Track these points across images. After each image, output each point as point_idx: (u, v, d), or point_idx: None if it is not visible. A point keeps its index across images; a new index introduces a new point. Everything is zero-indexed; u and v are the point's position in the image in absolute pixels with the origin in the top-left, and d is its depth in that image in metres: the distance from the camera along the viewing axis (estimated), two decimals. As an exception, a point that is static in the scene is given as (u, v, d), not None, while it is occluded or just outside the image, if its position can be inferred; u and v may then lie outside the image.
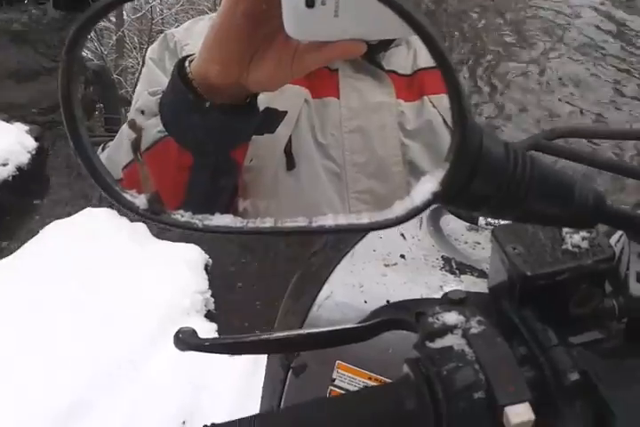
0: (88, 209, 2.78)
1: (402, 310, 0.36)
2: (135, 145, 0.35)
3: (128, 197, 0.27)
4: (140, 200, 0.27)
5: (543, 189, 0.27)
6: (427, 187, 0.25)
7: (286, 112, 0.74)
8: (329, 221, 0.26)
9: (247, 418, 0.31)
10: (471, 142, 0.24)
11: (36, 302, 2.19)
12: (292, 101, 0.75)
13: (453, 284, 0.55)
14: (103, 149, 0.72)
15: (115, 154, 0.65)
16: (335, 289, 0.56)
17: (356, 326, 0.37)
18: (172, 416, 1.82)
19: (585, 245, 0.33)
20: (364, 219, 0.26)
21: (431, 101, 0.80)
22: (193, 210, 0.29)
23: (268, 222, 0.27)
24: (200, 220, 0.28)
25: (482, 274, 0.56)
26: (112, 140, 0.70)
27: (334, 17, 0.46)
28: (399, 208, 0.25)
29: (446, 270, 0.57)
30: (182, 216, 0.28)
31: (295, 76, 0.55)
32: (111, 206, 2.68)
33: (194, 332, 0.38)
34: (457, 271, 0.57)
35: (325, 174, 0.76)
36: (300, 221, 0.27)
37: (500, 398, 0.28)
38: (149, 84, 0.75)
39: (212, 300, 2.42)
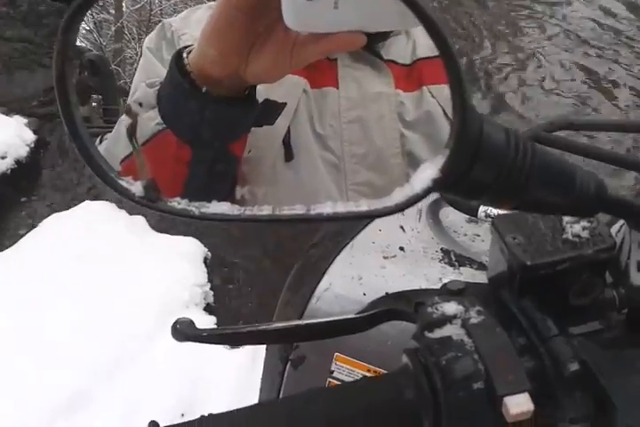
0: (86, 202, 2.78)
1: (400, 301, 0.36)
2: (131, 131, 0.35)
3: (124, 184, 0.27)
4: (136, 187, 0.27)
5: (544, 177, 0.26)
6: (426, 174, 0.24)
7: (285, 104, 0.74)
8: (327, 208, 0.26)
9: (245, 408, 0.30)
10: (471, 128, 0.24)
11: (34, 294, 2.19)
12: (290, 92, 0.74)
13: (452, 276, 0.55)
14: (101, 142, 0.71)
15: (113, 146, 0.64)
16: (334, 281, 0.56)
17: (354, 316, 0.37)
18: (170, 409, 1.82)
19: (585, 234, 0.33)
20: (363, 206, 0.26)
21: (430, 92, 0.79)
22: (191, 200, 0.29)
23: (265, 210, 0.27)
24: (197, 207, 0.28)
25: (481, 266, 0.56)
26: (110, 131, 0.69)
27: (334, 8, 0.46)
28: (398, 196, 0.25)
29: (445, 263, 0.57)
30: (179, 204, 0.28)
31: (294, 68, 0.54)
32: (108, 199, 2.68)
33: (191, 322, 0.38)
34: (456, 263, 0.57)
35: (324, 166, 0.76)
36: (298, 209, 0.26)
37: (499, 389, 0.28)
38: (147, 74, 0.74)
39: (212, 293, 2.43)
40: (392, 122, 0.78)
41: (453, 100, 0.23)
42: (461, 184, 0.25)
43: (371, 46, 0.79)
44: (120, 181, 0.27)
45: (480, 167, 0.25)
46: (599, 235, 0.33)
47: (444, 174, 0.24)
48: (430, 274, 0.55)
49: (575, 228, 0.33)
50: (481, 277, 0.40)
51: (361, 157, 0.77)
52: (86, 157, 0.26)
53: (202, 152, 0.61)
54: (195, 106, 0.56)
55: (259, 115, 0.64)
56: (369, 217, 0.27)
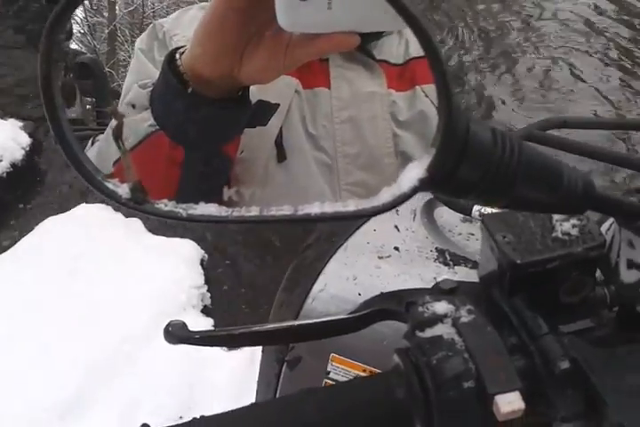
0: (83, 205, 2.77)
1: (392, 300, 0.36)
2: (117, 133, 0.35)
3: (110, 186, 0.27)
4: (123, 189, 0.27)
5: (531, 175, 0.26)
6: (413, 173, 0.24)
7: (279, 104, 0.73)
8: (315, 209, 0.26)
9: (237, 409, 0.30)
10: (457, 127, 0.24)
11: (31, 296, 2.19)
12: (282, 92, 0.74)
13: (447, 275, 0.55)
14: (93, 144, 0.71)
15: (105, 149, 0.64)
16: (329, 281, 0.56)
17: (347, 316, 0.37)
18: (168, 411, 1.82)
19: (575, 232, 0.32)
20: (351, 206, 0.26)
21: (423, 91, 0.79)
22: (181, 201, 0.29)
23: (253, 211, 0.27)
24: (184, 209, 0.28)
25: (476, 265, 0.56)
26: (102, 133, 0.69)
27: (327, 9, 0.46)
28: (386, 195, 0.25)
29: (440, 262, 0.57)
30: (166, 205, 0.28)
31: (288, 69, 0.54)
32: (104, 201, 2.67)
33: (184, 325, 0.38)
34: (451, 263, 0.57)
35: (317, 166, 0.76)
36: (286, 210, 0.26)
37: (489, 387, 0.28)
38: (138, 75, 0.74)
39: (209, 295, 2.42)
40: (385, 122, 0.77)
41: (439, 99, 0.23)
42: (449, 183, 0.25)
43: (363, 46, 0.79)
44: (107, 184, 0.27)
45: (467, 166, 0.25)
46: (589, 233, 0.33)
47: (430, 173, 0.24)
48: (425, 273, 0.55)
49: (565, 226, 0.33)
50: (475, 276, 0.40)
51: (354, 157, 0.77)
52: (72, 159, 0.25)
53: (195, 153, 0.60)
54: (188, 107, 0.56)
55: (251, 116, 0.64)
56: (357, 217, 0.26)
